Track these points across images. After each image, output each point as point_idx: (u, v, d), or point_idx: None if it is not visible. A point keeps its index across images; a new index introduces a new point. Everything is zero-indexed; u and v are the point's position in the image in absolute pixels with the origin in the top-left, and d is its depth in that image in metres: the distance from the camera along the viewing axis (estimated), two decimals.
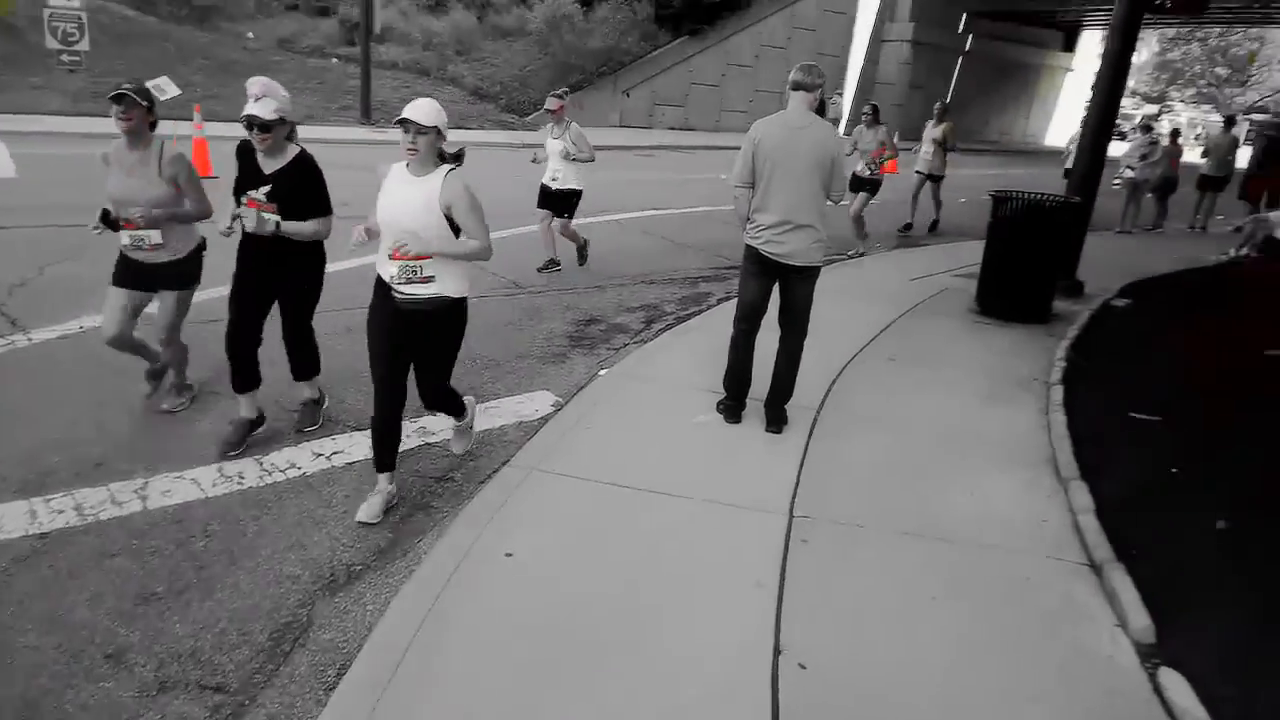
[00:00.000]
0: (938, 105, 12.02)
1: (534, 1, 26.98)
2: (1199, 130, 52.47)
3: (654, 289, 7.85)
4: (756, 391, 4.66)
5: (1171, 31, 55.92)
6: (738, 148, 4.48)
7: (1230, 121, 13.72)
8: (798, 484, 4.02)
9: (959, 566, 3.45)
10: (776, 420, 4.58)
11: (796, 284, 4.42)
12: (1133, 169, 12.63)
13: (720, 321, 5.82)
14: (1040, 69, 38.78)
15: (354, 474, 4.01)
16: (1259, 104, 54.09)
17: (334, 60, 24.96)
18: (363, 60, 19.71)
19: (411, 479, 4.02)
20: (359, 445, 4.25)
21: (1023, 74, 38.08)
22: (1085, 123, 7.78)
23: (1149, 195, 13.04)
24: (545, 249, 7.91)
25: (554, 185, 7.72)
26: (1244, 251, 10.69)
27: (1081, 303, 7.75)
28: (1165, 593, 3.20)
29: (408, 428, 4.44)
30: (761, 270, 4.43)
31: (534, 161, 8.06)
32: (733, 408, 4.65)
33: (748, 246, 4.45)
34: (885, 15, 32.35)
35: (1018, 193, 7.02)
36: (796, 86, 4.32)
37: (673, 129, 27.69)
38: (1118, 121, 35.93)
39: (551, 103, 7.71)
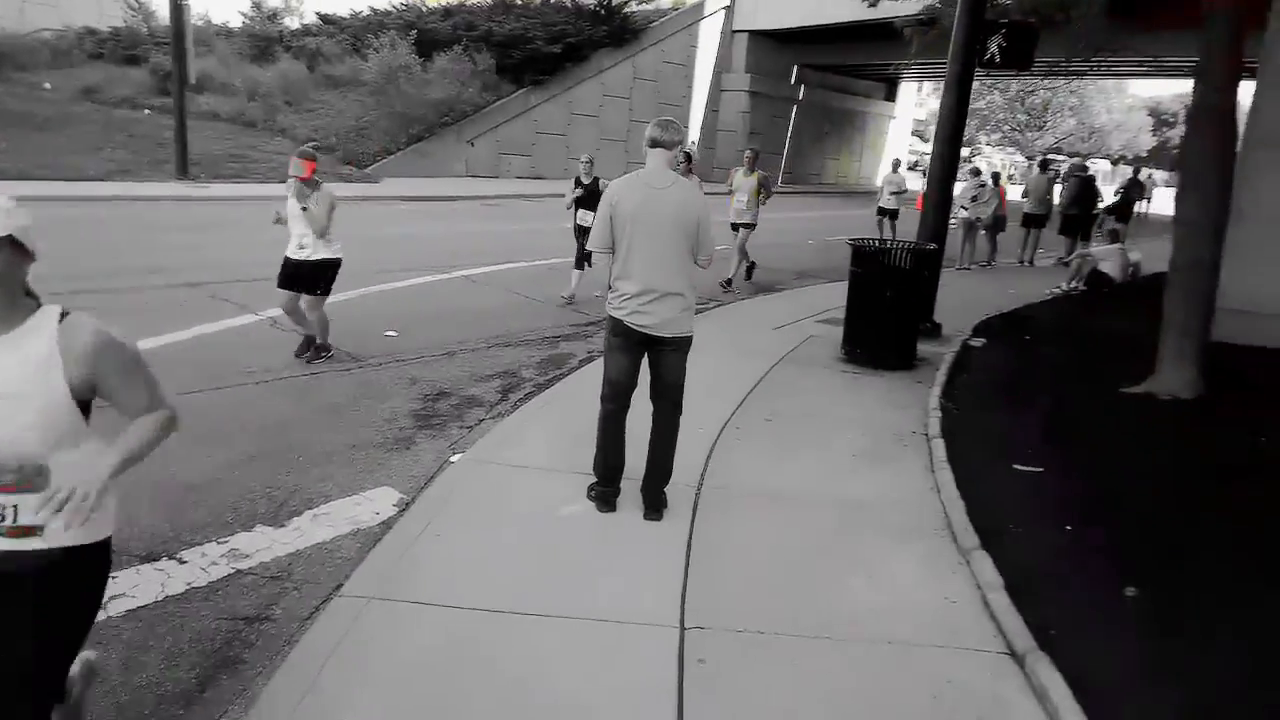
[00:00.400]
0: (747, 153, 11.71)
1: (368, 52, 26.09)
2: (1010, 171, 57.46)
3: (510, 352, 7.24)
4: (633, 466, 4.14)
5: (976, 83, 61.31)
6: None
7: (1045, 164, 14.73)
8: (686, 584, 3.51)
9: (875, 674, 3.02)
10: (655, 505, 4.07)
11: (668, 356, 3.97)
12: (965, 209, 13.21)
13: (586, 387, 5.30)
14: (867, 116, 41.24)
15: None
16: (1055, 145, 60.10)
17: (146, 111, 23.07)
18: (177, 111, 18.15)
19: (216, 623, 3.21)
20: None
21: (852, 121, 40.36)
22: (930, 173, 7.89)
23: (982, 233, 13.68)
24: (300, 329, 6.48)
25: (301, 256, 6.22)
26: (1073, 285, 11.27)
27: (941, 344, 7.76)
28: (1094, 680, 2.89)
29: (214, 552, 3.63)
30: (628, 343, 3.95)
31: (276, 222, 6.38)
32: (606, 494, 4.11)
33: (611, 318, 3.96)
34: (723, 66, 33.45)
35: (876, 241, 6.94)
36: (655, 143, 3.91)
37: (520, 178, 27.28)
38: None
39: (296, 167, 6.12)
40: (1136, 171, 17.15)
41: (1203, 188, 5.36)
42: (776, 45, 33.78)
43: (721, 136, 33.96)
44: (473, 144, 26.06)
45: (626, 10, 29.65)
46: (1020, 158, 61.41)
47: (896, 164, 16.58)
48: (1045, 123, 59.50)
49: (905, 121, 45.98)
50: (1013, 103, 59.43)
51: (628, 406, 4.05)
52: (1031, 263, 14.55)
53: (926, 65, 36.72)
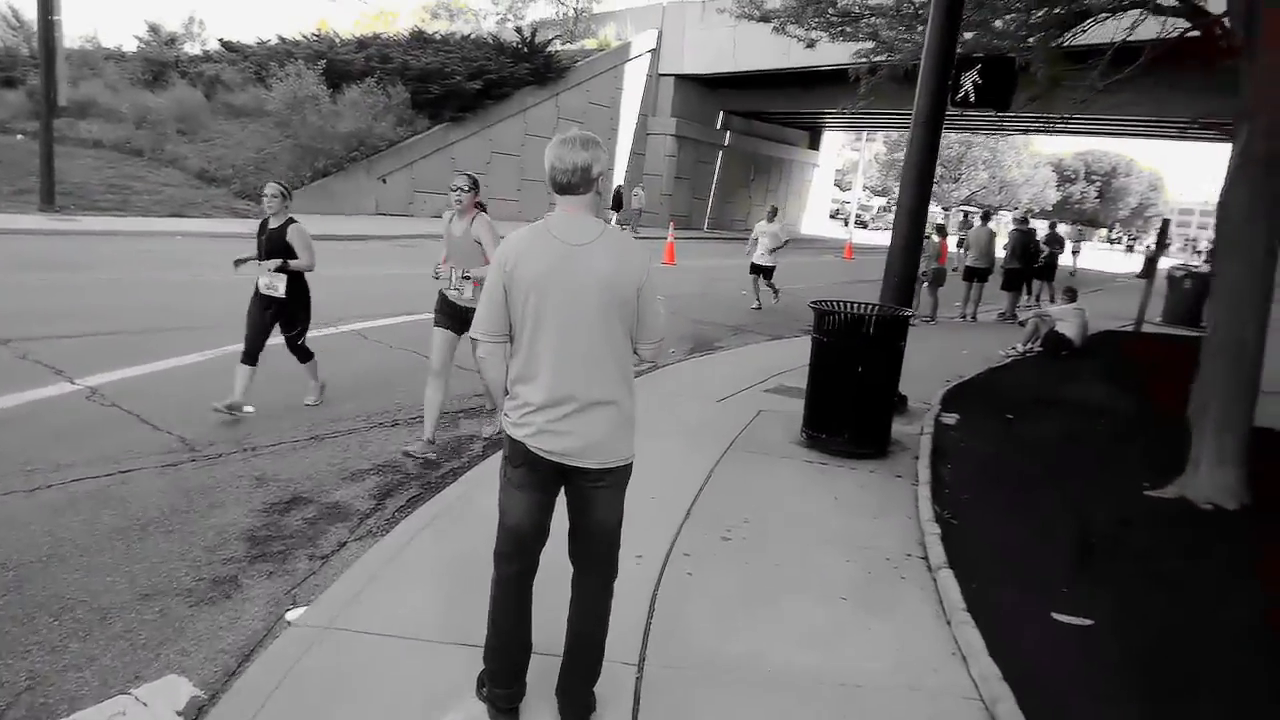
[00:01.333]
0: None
1: (272, 81, 24.39)
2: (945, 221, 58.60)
3: (397, 433, 5.83)
4: (548, 642, 2.81)
5: (895, 135, 62.76)
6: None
7: (987, 216, 14.15)
8: None
9: None
10: (579, 712, 2.74)
11: (596, 497, 2.63)
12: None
13: (489, 491, 3.95)
14: (792, 164, 41.26)
15: None
16: (969, 197, 61.84)
17: (19, 136, 20.92)
18: (43, 134, 16.20)
19: None
20: None
21: (778, 168, 40.28)
22: (896, 223, 6.89)
23: (924, 287, 12.89)
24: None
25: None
26: (1028, 346, 10.49)
27: (910, 420, 6.69)
28: None
29: None
30: (535, 477, 2.59)
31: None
32: (505, 698, 2.74)
33: (509, 440, 2.63)
34: (649, 109, 32.82)
35: (841, 304, 5.84)
36: (564, 178, 2.65)
37: (436, 217, 25.74)
38: (858, 212, 38.73)
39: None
40: (1053, 225, 16.79)
41: (1247, 251, 4.44)
42: (702, 90, 33.39)
43: (648, 179, 33.20)
44: (385, 180, 24.53)
45: (550, 49, 28.76)
46: (937, 207, 62.89)
47: (774, 213, 13.66)
48: (960, 175, 61.27)
49: (828, 170, 46.35)
50: None
51: (534, 568, 2.70)
52: (974, 318, 13.87)
53: (848, 116, 36.96)
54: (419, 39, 28.65)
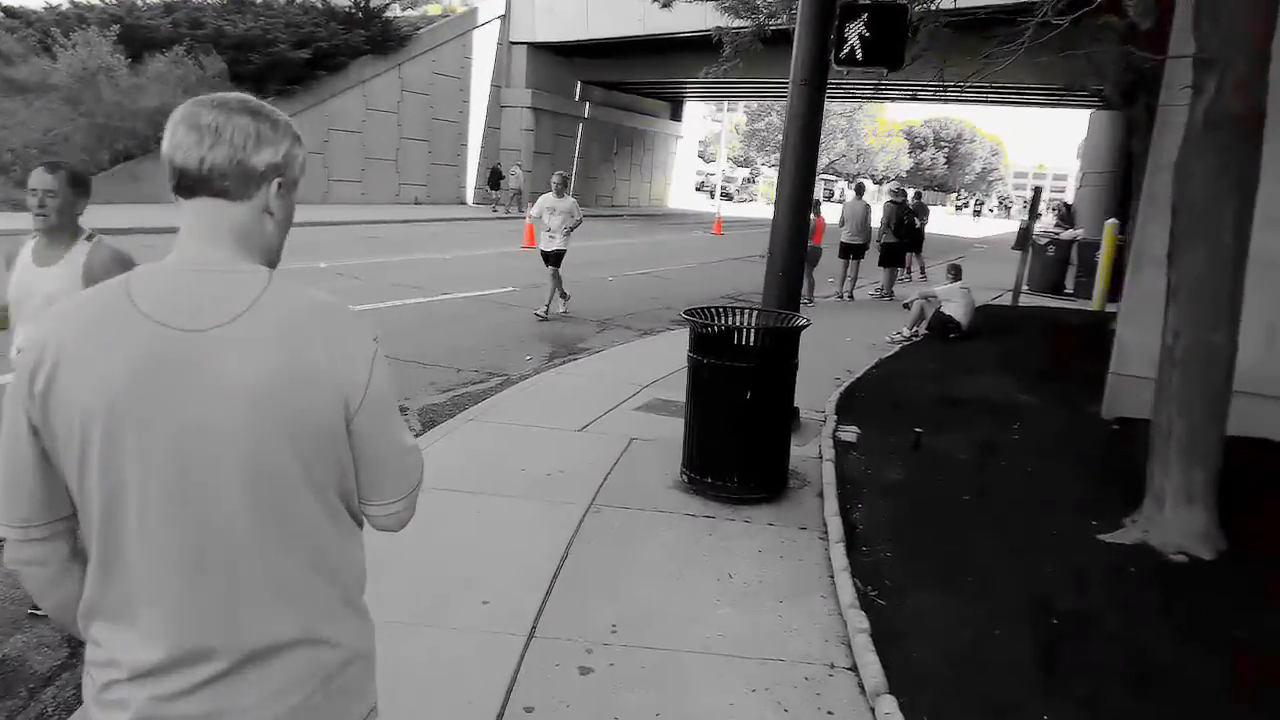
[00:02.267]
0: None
1: (58, 50, 21.11)
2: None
3: None
4: None
5: (755, 104, 63.02)
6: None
7: (860, 189, 13.46)
8: None
9: None
10: None
11: None
12: None
13: None
14: (655, 136, 40.29)
15: None
16: (829, 166, 62.92)
17: None
18: None
19: None
20: None
21: (641, 141, 39.20)
22: (779, 199, 5.79)
23: None
24: None
25: None
26: (914, 330, 9.76)
27: (804, 437, 5.66)
28: None
29: None
30: None
31: None
32: None
33: None
34: (501, 81, 30.93)
35: (720, 315, 4.69)
36: (190, 178, 1.23)
37: None
38: (723, 184, 38.09)
39: None
40: (918, 195, 16.32)
41: (1214, 236, 3.55)
42: (558, 59, 31.78)
43: (505, 155, 31.38)
44: None
45: (388, 15, 26.41)
46: None
47: (563, 184, 10.17)
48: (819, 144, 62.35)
49: (691, 142, 45.71)
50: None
51: None
52: (852, 296, 13.19)
53: (709, 85, 36.23)
54: (237, 2, 25.67)
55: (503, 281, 12.69)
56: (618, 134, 37.01)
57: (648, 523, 4.29)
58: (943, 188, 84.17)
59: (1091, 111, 27.19)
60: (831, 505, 4.47)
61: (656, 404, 6.50)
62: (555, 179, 10.27)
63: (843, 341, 9.64)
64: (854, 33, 5.51)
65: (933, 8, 8.84)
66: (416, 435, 5.56)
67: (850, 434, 5.84)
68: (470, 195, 30.63)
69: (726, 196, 49.73)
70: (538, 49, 30.84)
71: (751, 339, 4.52)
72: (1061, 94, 31.20)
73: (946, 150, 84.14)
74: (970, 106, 50.59)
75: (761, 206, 49.36)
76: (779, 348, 4.50)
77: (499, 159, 31.25)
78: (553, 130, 32.43)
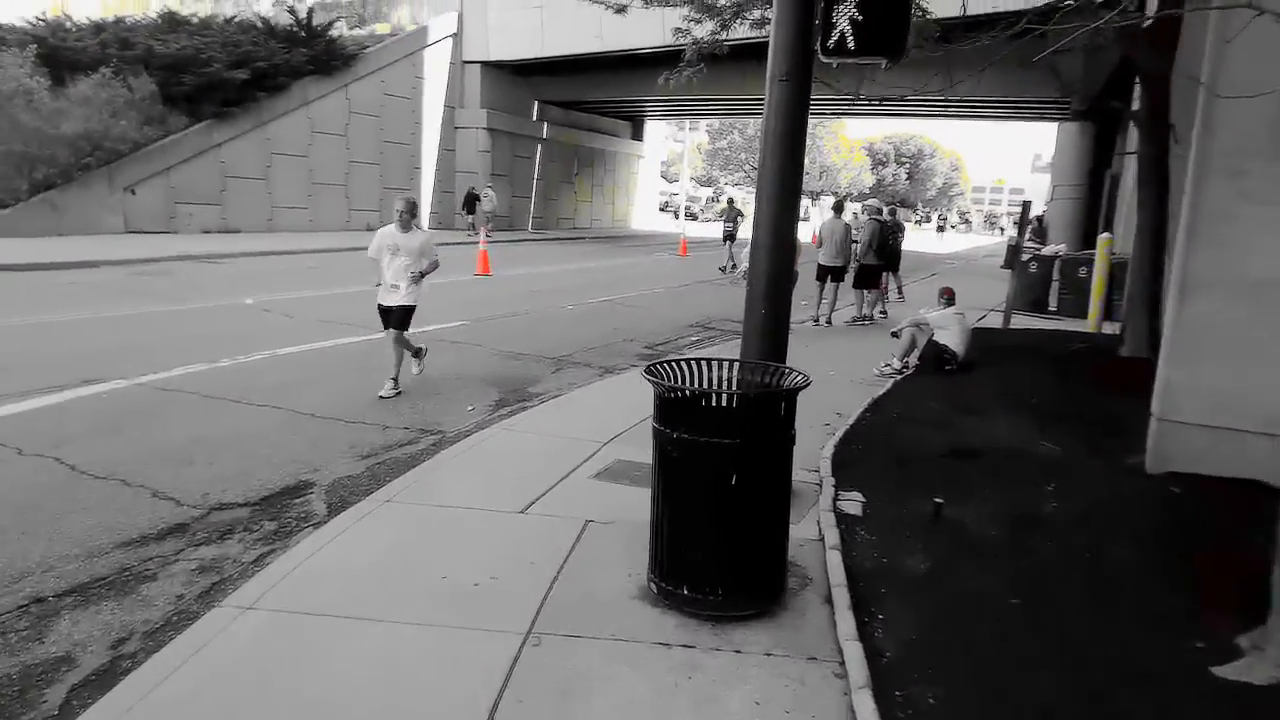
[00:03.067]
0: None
1: None
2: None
3: None
4: None
5: (717, 123, 62.57)
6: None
7: (840, 207, 12.53)
8: None
9: None
10: None
11: None
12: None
13: None
14: (617, 156, 39.40)
15: None
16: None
17: None
18: None
19: None
20: None
21: (603, 161, 38.28)
22: (758, 233, 4.76)
23: None
24: None
25: None
26: (904, 362, 8.80)
27: (800, 510, 4.61)
28: None
29: None
30: None
31: None
32: None
33: None
34: (455, 101, 29.85)
35: (694, 371, 3.64)
36: None
37: (209, 232, 21.89)
38: (687, 204, 37.98)
39: None
40: (893, 211, 15.33)
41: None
42: (513, 78, 30.80)
43: (460, 178, 30.26)
44: (133, 191, 20.41)
45: (333, 33, 25.23)
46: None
47: (409, 211, 7.30)
48: None
49: (654, 161, 44.94)
50: (751, 142, 61.26)
51: None
52: (829, 321, 12.23)
53: (671, 103, 35.50)
54: (171, 21, 24.35)
55: (450, 315, 11.55)
56: (578, 154, 36.05)
57: (604, 660, 3.18)
58: (904, 203, 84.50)
59: (1060, 124, 26.80)
60: (846, 622, 3.41)
61: (619, 468, 5.41)
62: (399, 205, 7.24)
63: (826, 375, 8.64)
64: (843, 16, 4.52)
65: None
66: (318, 524, 4.43)
67: (854, 503, 4.81)
68: (426, 221, 29.39)
69: (691, 216, 49.03)
70: (491, 68, 29.83)
71: (735, 404, 3.45)
72: (1024, 106, 30.89)
73: (908, 166, 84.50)
74: (930, 121, 50.59)
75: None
76: (773, 415, 3.44)
77: (454, 181, 30.13)
78: (510, 151, 31.38)
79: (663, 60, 30.23)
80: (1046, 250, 15.14)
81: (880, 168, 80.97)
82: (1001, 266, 13.32)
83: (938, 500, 4.49)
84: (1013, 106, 31.24)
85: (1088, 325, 11.42)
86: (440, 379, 8.02)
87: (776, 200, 4.70)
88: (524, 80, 31.19)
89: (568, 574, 3.86)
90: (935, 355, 8.45)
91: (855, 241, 12.40)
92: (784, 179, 4.70)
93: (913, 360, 8.72)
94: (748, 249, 10.52)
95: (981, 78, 26.00)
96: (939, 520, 4.44)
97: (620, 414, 6.57)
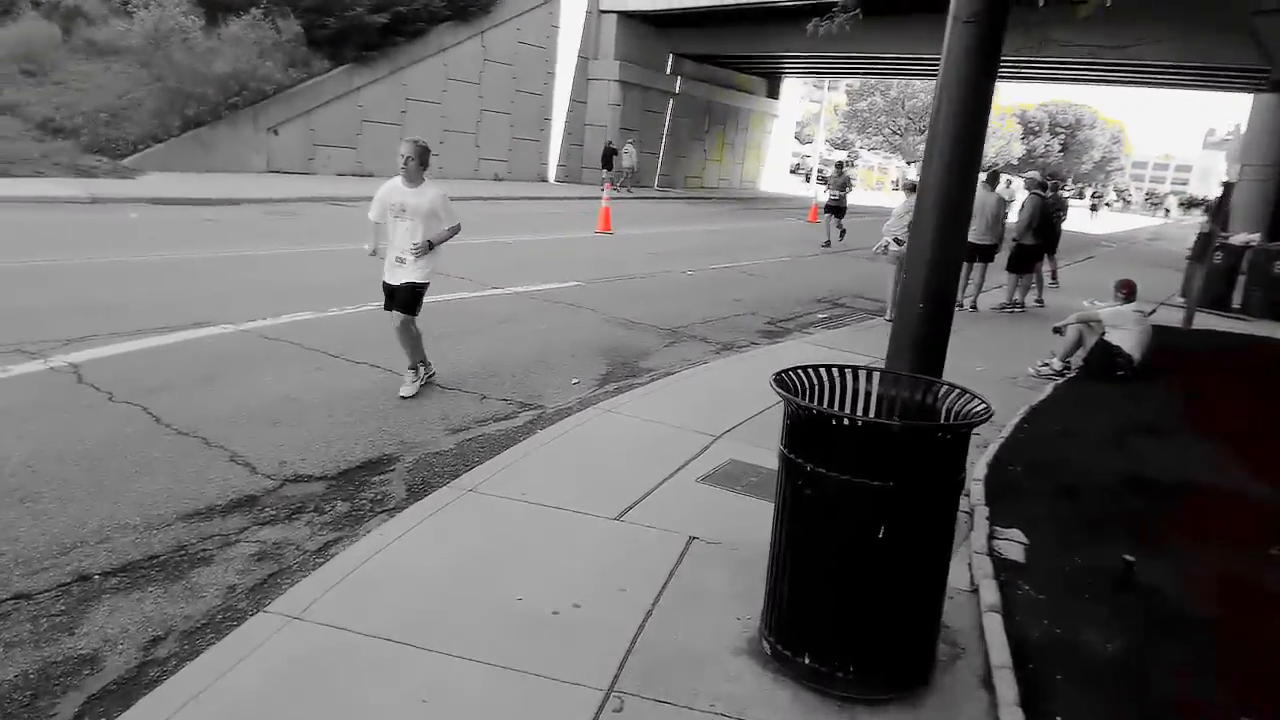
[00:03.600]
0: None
1: (135, 9, 20.44)
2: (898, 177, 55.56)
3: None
4: None
5: (858, 84, 59.64)
6: None
7: (995, 178, 11.24)
8: None
9: None
10: None
11: None
12: (900, 240, 9.52)
13: None
14: (750, 114, 38.01)
15: None
16: None
17: None
18: None
19: None
20: None
21: (734, 119, 37.01)
22: (924, 185, 3.91)
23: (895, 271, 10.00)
24: None
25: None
26: (1066, 363, 7.69)
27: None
28: None
29: None
30: None
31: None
32: None
33: None
34: (589, 52, 29.27)
35: (833, 380, 2.91)
36: None
37: (342, 174, 22.29)
38: (819, 167, 35.25)
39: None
40: (1055, 186, 13.60)
41: None
42: (650, 30, 29.91)
43: (590, 131, 29.81)
44: (276, 132, 20.91)
45: None
46: (901, 161, 60.09)
47: (420, 158, 5.68)
48: (925, 127, 58.46)
49: (788, 121, 43.21)
50: (894, 105, 58.10)
51: None
52: (975, 307, 11.06)
53: (809, 61, 33.79)
54: None
55: (565, 273, 11.08)
56: (710, 111, 34.93)
57: None
58: (1054, 176, 78.77)
59: (1255, 95, 23.76)
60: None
61: (731, 470, 4.75)
62: (404, 150, 5.61)
63: (973, 372, 7.66)
64: None
65: None
66: (394, 510, 3.99)
67: (1014, 545, 3.98)
68: (553, 173, 29.21)
69: (823, 180, 47.06)
70: (628, 18, 29.03)
71: (890, 441, 2.70)
72: (1208, 72, 27.65)
73: (1063, 136, 78.47)
74: (1095, 87, 46.41)
75: (860, 192, 46.49)
76: (939, 453, 2.67)
77: (584, 134, 29.70)
78: (641, 105, 30.63)
79: (804, 13, 28.47)
80: (1236, 239, 13.27)
81: (1032, 137, 75.57)
82: (1189, 258, 11.71)
83: (1128, 558, 3.61)
84: (1195, 72, 28.05)
85: None
86: (549, 345, 7.53)
87: (950, 170, 3.86)
88: (659, 32, 30.26)
89: (664, 609, 3.25)
90: (1105, 358, 7.31)
91: (1005, 218, 11.11)
92: (962, 143, 3.86)
93: (1076, 361, 7.61)
94: (891, 220, 9.53)
95: (1166, 39, 23.37)
96: (1129, 585, 3.56)
97: (736, 402, 5.89)
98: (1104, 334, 7.42)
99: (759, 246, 16.67)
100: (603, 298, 9.89)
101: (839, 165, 20.12)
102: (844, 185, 18.35)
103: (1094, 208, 53.13)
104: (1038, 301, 11.58)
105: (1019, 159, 68.85)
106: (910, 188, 9.79)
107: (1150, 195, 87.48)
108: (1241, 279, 13.12)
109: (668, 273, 12.34)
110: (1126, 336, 7.28)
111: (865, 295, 12.14)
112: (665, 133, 31.64)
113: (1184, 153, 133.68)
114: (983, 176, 11.51)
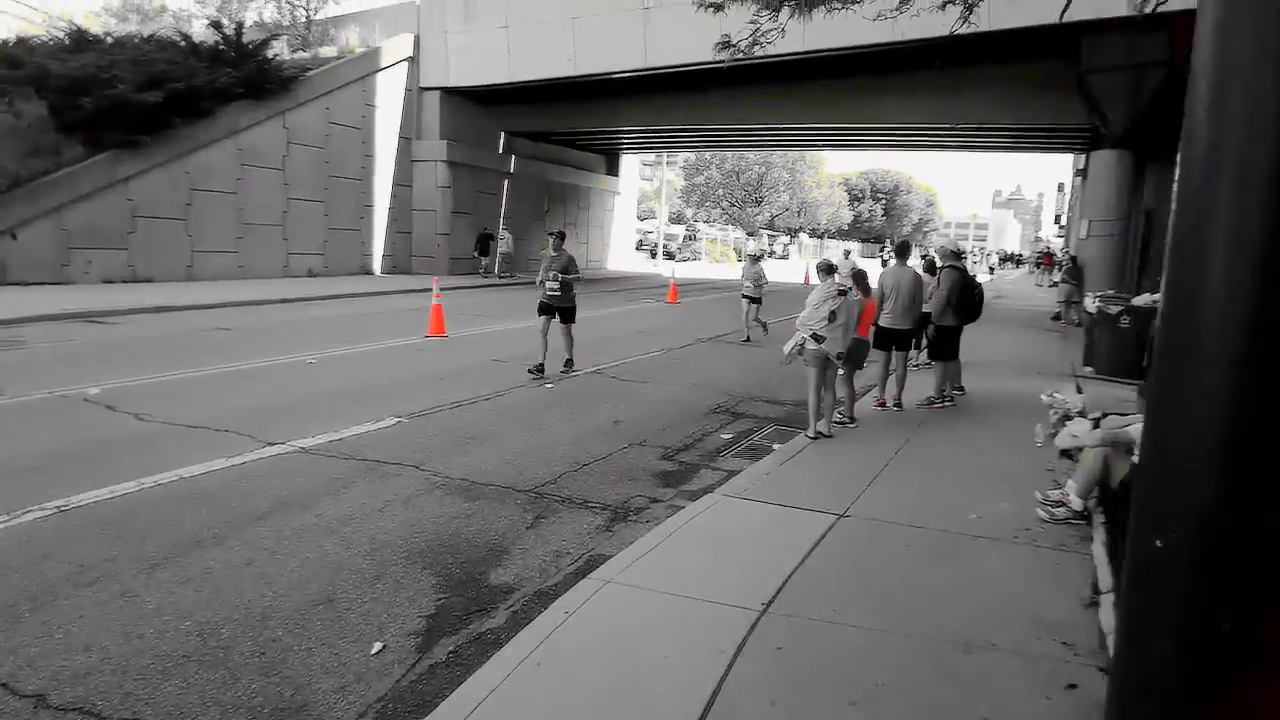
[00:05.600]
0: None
1: None
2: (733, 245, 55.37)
3: None
4: None
5: (693, 157, 60.12)
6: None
7: (904, 250, 9.36)
8: None
9: None
10: None
11: None
12: (820, 337, 7.31)
13: None
14: (590, 192, 36.40)
15: None
16: (773, 219, 60.05)
17: None
18: None
19: None
20: None
21: (575, 197, 35.24)
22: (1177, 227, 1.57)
23: (836, 370, 7.83)
24: None
25: None
26: (1087, 507, 5.58)
27: None
28: None
29: None
30: None
31: None
32: None
33: None
34: (412, 132, 26.67)
35: None
36: None
37: (111, 281, 18.35)
38: (664, 242, 32.76)
39: None
40: (959, 253, 11.76)
41: None
42: (476, 107, 27.75)
43: (418, 216, 27.00)
44: (14, 235, 16.85)
45: (267, 54, 21.94)
46: (740, 233, 60.64)
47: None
48: (762, 197, 59.36)
49: (630, 198, 42.02)
50: (729, 178, 58.82)
51: None
52: (900, 404, 9.04)
53: (649, 134, 32.68)
54: (78, 40, 20.95)
55: (385, 405, 8.22)
56: (549, 190, 32.98)
57: None
58: (878, 239, 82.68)
59: (1089, 153, 24.24)
60: None
61: None
62: None
63: (965, 520, 5.44)
64: None
65: None
66: None
67: None
68: (378, 264, 26.09)
69: (669, 255, 46.08)
70: (452, 95, 26.75)
71: None
72: (1033, 133, 28.46)
73: (884, 202, 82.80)
74: (922, 152, 48.45)
75: (705, 265, 45.84)
76: None
77: (411, 221, 26.84)
78: (473, 186, 28.19)
79: (641, 85, 26.86)
80: (1139, 301, 12.16)
81: (857, 203, 79.15)
82: (1054, 318, 10.23)
83: None
84: (1020, 133, 28.82)
85: None
86: (338, 563, 4.65)
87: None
88: (488, 110, 28.16)
89: None
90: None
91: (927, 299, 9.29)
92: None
93: (1087, 497, 5.51)
94: (807, 311, 7.35)
95: (995, 103, 23.12)
96: None
97: (675, 688, 3.27)
98: (1137, 458, 5.38)
99: (621, 339, 14.34)
100: (431, 442, 7.11)
101: (753, 256, 16.31)
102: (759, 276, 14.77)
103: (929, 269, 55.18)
104: (958, 389, 9.73)
105: (849, 224, 71.67)
106: (826, 267, 7.68)
107: (966, 254, 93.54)
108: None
109: (517, 389, 9.69)
110: None
111: (762, 397, 9.95)
112: (503, 214, 29.31)
113: (985, 212, 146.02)
114: (894, 250, 9.67)
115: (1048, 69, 21.53)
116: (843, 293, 7.54)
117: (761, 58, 22.59)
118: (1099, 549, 4.83)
